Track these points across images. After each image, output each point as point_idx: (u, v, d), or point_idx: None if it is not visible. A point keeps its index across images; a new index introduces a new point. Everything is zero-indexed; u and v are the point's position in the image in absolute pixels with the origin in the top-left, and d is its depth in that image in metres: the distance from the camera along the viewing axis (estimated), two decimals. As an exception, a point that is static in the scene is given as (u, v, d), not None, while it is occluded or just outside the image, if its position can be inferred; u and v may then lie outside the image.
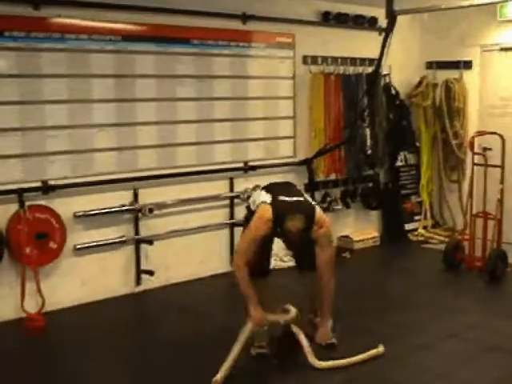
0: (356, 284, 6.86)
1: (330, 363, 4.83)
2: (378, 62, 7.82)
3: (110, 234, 6.49)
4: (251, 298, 4.85)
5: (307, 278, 5.34)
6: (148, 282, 6.75)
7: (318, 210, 5.06)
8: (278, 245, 5.39)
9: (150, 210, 6.63)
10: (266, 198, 4.96)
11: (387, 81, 8.64)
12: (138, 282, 6.71)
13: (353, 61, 8.32)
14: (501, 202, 7.20)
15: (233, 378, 4.68)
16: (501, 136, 7.28)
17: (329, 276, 5.12)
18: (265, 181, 6.58)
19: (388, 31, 7.47)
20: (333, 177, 8.27)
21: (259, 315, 4.86)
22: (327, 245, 5.10)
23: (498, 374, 4.84)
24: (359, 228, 8.68)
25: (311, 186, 7.88)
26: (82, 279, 6.32)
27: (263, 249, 5.06)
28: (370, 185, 8.71)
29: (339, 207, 8.34)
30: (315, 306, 5.38)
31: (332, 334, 5.25)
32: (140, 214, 6.62)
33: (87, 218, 6.29)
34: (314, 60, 8.01)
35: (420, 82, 9.02)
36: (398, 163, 9.10)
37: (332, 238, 5.32)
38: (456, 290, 6.83)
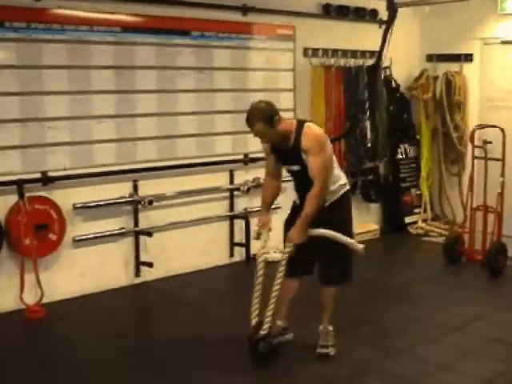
0: (356, 276, 6.83)
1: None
2: (378, 55, 7.81)
3: (109, 225, 6.48)
4: (262, 201, 5.15)
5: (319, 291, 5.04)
6: (147, 274, 6.74)
7: (308, 124, 4.83)
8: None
9: (150, 202, 6.61)
10: None
11: (388, 73, 8.62)
12: (138, 273, 6.71)
13: (353, 53, 8.29)
14: (501, 195, 7.20)
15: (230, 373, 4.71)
16: (501, 129, 7.27)
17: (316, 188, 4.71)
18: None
19: (389, 24, 7.46)
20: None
21: (262, 218, 5.08)
22: (315, 154, 4.70)
23: (499, 365, 4.86)
24: (359, 221, 8.57)
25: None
26: (81, 271, 6.32)
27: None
28: (370, 177, 8.70)
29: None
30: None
31: (331, 343, 5.03)
32: (140, 206, 6.61)
33: (87, 210, 6.28)
34: (315, 52, 7.98)
35: (420, 75, 9.00)
36: (398, 156, 9.09)
37: (322, 148, 4.74)
38: (456, 283, 6.83)
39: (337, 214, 4.90)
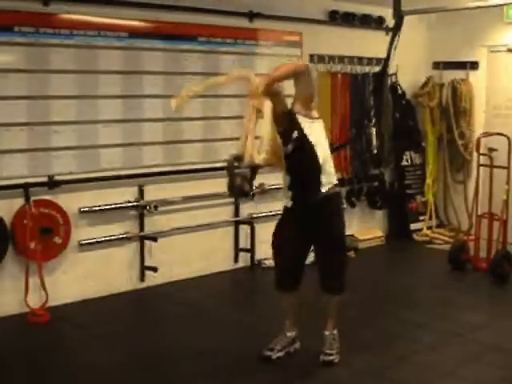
0: (360, 282, 6.84)
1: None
2: (385, 62, 7.82)
3: (114, 230, 6.49)
4: None
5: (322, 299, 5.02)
6: (152, 279, 6.75)
7: None
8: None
9: (155, 207, 6.63)
10: None
11: (394, 80, 8.64)
12: (142, 278, 6.72)
13: (360, 60, 8.31)
14: (506, 202, 7.20)
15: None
16: (507, 137, 7.27)
17: None
18: (270, 179, 6.64)
19: (395, 31, 7.47)
20: (338, 176, 8.22)
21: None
22: None
23: (502, 373, 4.84)
24: (364, 227, 8.67)
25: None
26: (85, 275, 6.32)
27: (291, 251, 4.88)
28: (376, 184, 8.71)
29: (344, 206, 8.28)
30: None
31: (336, 350, 5.01)
32: (145, 211, 6.63)
33: (92, 214, 6.30)
34: (321, 59, 8.00)
35: (426, 82, 9.01)
36: (404, 163, 9.09)
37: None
38: (461, 291, 6.82)
39: (333, 208, 4.93)
